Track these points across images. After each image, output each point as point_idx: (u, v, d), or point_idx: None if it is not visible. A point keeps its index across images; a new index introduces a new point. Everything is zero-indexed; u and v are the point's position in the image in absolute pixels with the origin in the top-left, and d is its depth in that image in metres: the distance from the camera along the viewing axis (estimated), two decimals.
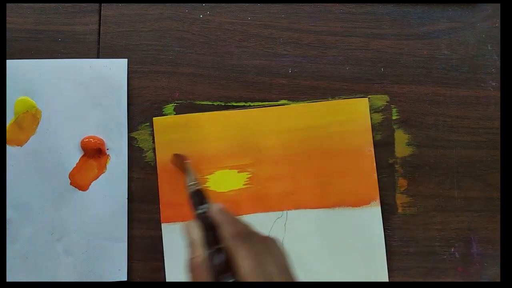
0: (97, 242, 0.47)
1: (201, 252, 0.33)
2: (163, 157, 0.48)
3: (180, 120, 0.48)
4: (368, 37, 0.49)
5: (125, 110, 0.48)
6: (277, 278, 0.31)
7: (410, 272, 0.48)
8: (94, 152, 0.47)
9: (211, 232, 0.35)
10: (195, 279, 0.33)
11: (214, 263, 0.33)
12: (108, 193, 0.47)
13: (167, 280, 0.47)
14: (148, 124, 0.48)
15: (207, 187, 0.41)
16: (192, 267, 0.33)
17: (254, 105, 0.49)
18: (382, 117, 0.49)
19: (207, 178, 0.48)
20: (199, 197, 0.39)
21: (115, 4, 0.49)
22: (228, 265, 0.32)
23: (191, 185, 0.40)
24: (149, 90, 0.49)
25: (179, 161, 0.46)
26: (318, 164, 0.48)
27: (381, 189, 0.48)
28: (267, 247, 0.33)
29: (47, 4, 0.49)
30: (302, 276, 0.47)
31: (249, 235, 0.33)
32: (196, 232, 0.35)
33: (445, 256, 0.48)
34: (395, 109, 0.49)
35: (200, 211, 0.37)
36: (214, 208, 0.37)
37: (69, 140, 0.47)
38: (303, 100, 0.49)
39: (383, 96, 0.49)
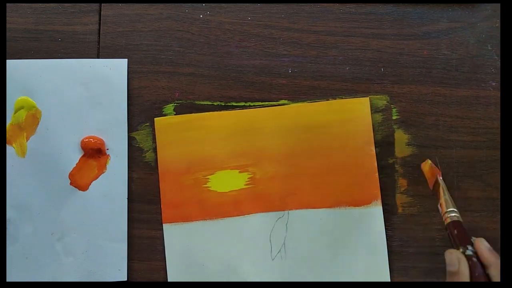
0: (97, 242, 0.47)
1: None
2: (164, 157, 0.48)
3: (181, 120, 0.48)
4: (368, 37, 0.49)
5: (125, 110, 0.48)
6: None
7: (410, 272, 0.48)
8: (94, 152, 0.47)
9: (482, 277, 0.33)
10: None
11: None
12: (108, 193, 0.47)
13: (168, 280, 0.47)
14: (148, 124, 0.48)
15: (460, 218, 0.38)
16: None
17: (254, 105, 0.49)
18: (382, 117, 0.49)
19: (208, 179, 0.48)
20: (461, 232, 0.37)
21: (115, 4, 0.49)
22: None
23: (450, 212, 0.38)
24: (149, 90, 0.49)
25: (430, 174, 0.44)
26: (319, 163, 0.48)
27: (381, 189, 0.48)
28: None
29: (47, 4, 0.49)
30: (303, 276, 0.47)
31: None
32: (464, 264, 0.34)
33: None
34: (395, 109, 0.49)
35: (466, 251, 0.35)
36: (484, 246, 0.35)
37: (69, 140, 0.47)
38: (303, 100, 0.49)
39: (383, 96, 0.49)
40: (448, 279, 0.34)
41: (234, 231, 0.48)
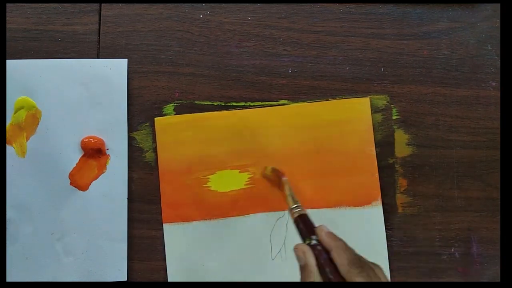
0: (97, 242, 0.47)
1: (316, 277, 0.34)
2: (164, 157, 0.48)
3: (181, 120, 0.48)
4: (368, 37, 0.49)
5: (125, 110, 0.48)
6: None
7: (410, 272, 0.48)
8: (94, 152, 0.47)
9: (327, 268, 0.34)
10: None
11: None
12: (108, 193, 0.47)
13: (169, 280, 0.47)
14: (148, 124, 0.48)
15: (304, 211, 0.39)
16: None
17: (254, 105, 0.49)
18: (382, 117, 0.49)
19: (208, 178, 0.48)
20: (306, 224, 0.38)
21: (115, 4, 0.49)
22: None
23: (294, 208, 0.39)
24: (149, 90, 0.49)
25: (275, 177, 0.45)
26: (320, 163, 0.48)
27: (381, 189, 0.48)
28: (377, 275, 0.34)
29: (47, 4, 0.49)
30: None
31: (360, 262, 0.34)
32: (310, 256, 0.35)
33: (445, 256, 0.48)
34: (395, 109, 0.49)
35: (311, 242, 0.36)
36: (324, 233, 0.36)
37: (69, 140, 0.47)
38: (303, 100, 0.49)
39: (383, 96, 0.49)
40: (301, 275, 0.35)
41: (234, 231, 0.48)
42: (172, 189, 0.48)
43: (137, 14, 0.49)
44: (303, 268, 0.35)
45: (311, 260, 0.35)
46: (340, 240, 0.35)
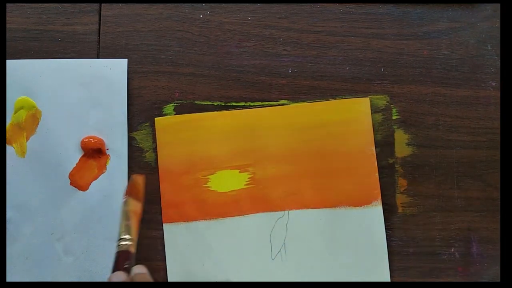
0: (97, 242, 0.47)
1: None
2: (164, 157, 0.48)
3: (181, 120, 0.48)
4: (368, 37, 0.49)
5: (125, 110, 0.48)
6: None
7: (410, 272, 0.48)
8: (94, 152, 0.47)
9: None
10: None
11: None
12: (108, 193, 0.47)
13: (168, 280, 0.47)
14: (148, 124, 0.48)
15: (132, 249, 0.40)
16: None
17: (254, 105, 0.49)
18: (382, 117, 0.49)
19: (208, 178, 0.48)
20: (125, 258, 0.39)
21: (115, 4, 0.49)
22: None
23: (122, 241, 0.40)
24: (149, 90, 0.49)
25: (133, 189, 0.45)
26: (320, 163, 0.48)
27: (381, 189, 0.48)
28: None
29: (47, 4, 0.49)
30: (303, 276, 0.47)
31: None
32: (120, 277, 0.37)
33: (445, 256, 0.48)
34: (395, 109, 0.49)
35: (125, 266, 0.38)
36: (137, 273, 0.38)
37: (69, 140, 0.47)
38: (303, 100, 0.49)
39: (383, 96, 0.49)
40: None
41: (234, 231, 0.48)
42: (172, 189, 0.48)
43: (137, 14, 0.49)
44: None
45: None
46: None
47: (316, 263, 0.47)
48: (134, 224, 0.41)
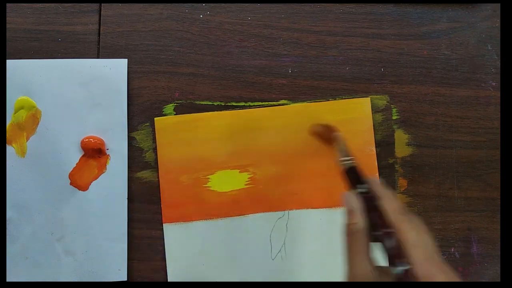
0: (97, 242, 0.47)
1: (360, 220, 0.35)
2: (164, 157, 0.48)
3: (181, 120, 0.48)
4: (368, 37, 0.49)
5: (125, 110, 0.48)
6: (437, 252, 0.33)
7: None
8: (94, 152, 0.47)
9: (376, 213, 0.35)
10: (352, 244, 0.34)
11: (387, 246, 0.33)
12: (108, 193, 0.47)
13: (168, 280, 0.47)
14: (148, 124, 0.48)
15: (356, 163, 0.39)
16: (350, 232, 0.35)
17: (254, 105, 0.49)
18: (382, 117, 0.49)
19: (208, 178, 0.48)
20: (356, 175, 0.38)
21: (115, 4, 0.49)
22: (400, 250, 0.32)
23: (345, 161, 0.39)
24: (149, 90, 0.49)
25: (327, 132, 0.45)
26: (319, 163, 0.48)
27: None
28: (419, 224, 0.34)
29: (47, 4, 0.49)
30: (304, 276, 0.47)
31: (406, 211, 0.35)
32: (355, 201, 0.36)
33: (445, 256, 0.48)
34: (395, 109, 0.49)
35: (361, 190, 0.37)
36: (375, 182, 0.37)
37: (69, 140, 0.47)
38: (303, 100, 0.49)
39: (383, 96, 0.49)
40: (346, 220, 0.36)
41: (234, 231, 0.48)
42: (172, 189, 0.48)
43: (137, 14, 0.49)
44: (349, 213, 0.36)
45: (358, 205, 0.35)
46: (390, 190, 0.36)
47: (316, 263, 0.47)
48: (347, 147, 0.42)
